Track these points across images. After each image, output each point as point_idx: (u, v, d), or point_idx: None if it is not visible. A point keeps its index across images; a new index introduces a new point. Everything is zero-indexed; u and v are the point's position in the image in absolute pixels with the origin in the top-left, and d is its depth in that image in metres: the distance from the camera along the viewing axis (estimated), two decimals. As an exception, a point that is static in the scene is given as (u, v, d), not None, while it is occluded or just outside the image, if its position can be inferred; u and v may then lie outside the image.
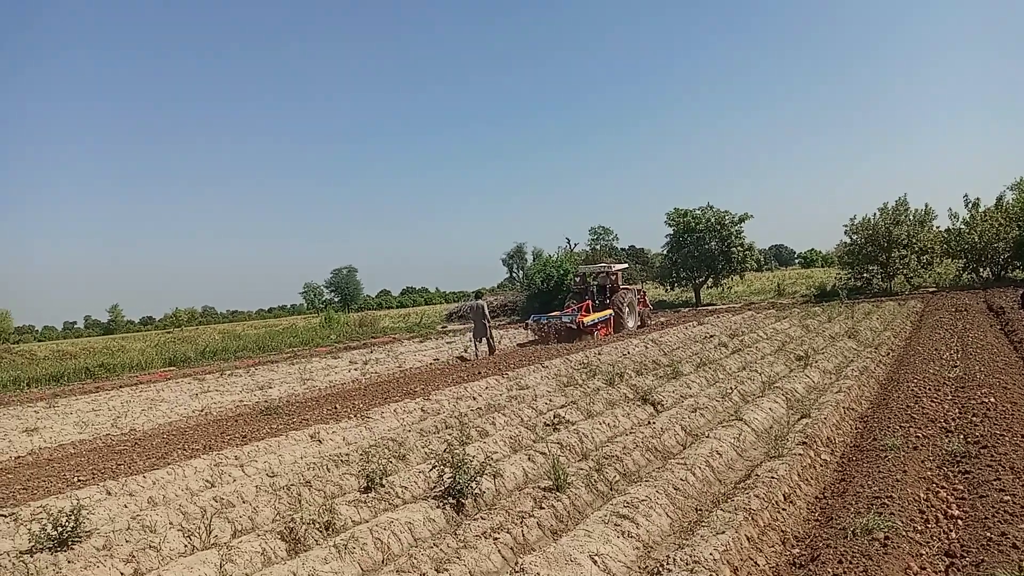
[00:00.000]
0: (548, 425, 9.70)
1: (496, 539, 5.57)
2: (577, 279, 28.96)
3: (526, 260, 69.73)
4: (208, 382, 19.52)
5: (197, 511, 6.91)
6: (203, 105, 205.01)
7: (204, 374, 22.32)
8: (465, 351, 23.14)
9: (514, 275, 76.09)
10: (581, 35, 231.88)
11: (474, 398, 12.42)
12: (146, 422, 13.98)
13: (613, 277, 27.41)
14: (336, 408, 13.01)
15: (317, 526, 6.11)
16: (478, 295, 24.49)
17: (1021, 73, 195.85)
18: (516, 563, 4.89)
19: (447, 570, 4.99)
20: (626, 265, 34.32)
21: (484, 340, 21.92)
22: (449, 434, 9.29)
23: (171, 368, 26.93)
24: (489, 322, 22.25)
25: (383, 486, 7.06)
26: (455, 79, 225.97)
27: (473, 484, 6.71)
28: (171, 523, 6.59)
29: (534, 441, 8.93)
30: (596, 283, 27.31)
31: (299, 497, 7.07)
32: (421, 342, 29.15)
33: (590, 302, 25.65)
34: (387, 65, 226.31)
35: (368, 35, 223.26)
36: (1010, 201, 35.49)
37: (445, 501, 6.58)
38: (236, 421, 13.06)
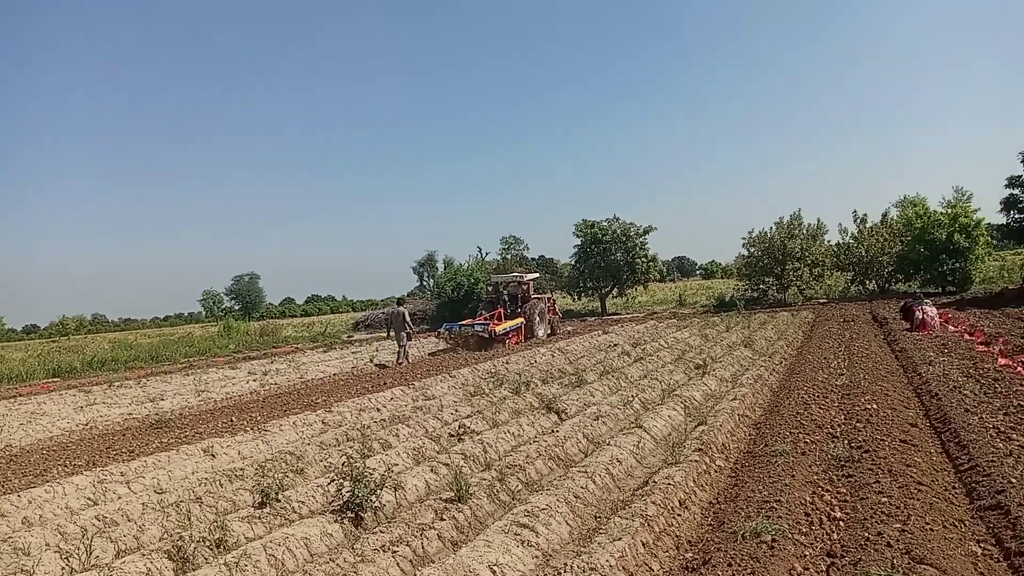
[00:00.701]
0: (453, 436, 9.64)
1: (395, 552, 5.47)
2: (489, 288, 29.25)
3: (437, 268, 69.35)
4: (95, 394, 18.46)
5: (77, 531, 6.51)
6: (95, 99, 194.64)
7: (91, 386, 21.10)
8: (371, 360, 22.87)
9: (425, 283, 75.53)
10: (491, 47, 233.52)
11: (378, 409, 12.24)
12: (24, 437, 13.08)
13: (525, 287, 27.86)
14: (232, 421, 12.54)
15: (207, 544, 5.86)
16: (400, 302, 24.28)
17: (904, 97, 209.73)
18: (414, 576, 4.82)
19: (343, 586, 4.87)
20: (537, 275, 34.81)
21: (403, 347, 21.80)
22: (351, 447, 9.11)
23: (54, 379, 25.35)
24: (411, 329, 22.16)
25: (279, 501, 6.84)
26: (363, 82, 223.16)
27: (373, 497, 6.58)
28: (47, 544, 6.19)
29: (438, 452, 8.85)
30: (508, 292, 27.66)
31: (189, 514, 6.76)
32: (325, 352, 28.53)
33: (502, 311, 25.94)
34: (289, 67, 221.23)
35: (268, 34, 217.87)
36: (894, 217, 37.81)
37: (344, 515, 6.43)
38: (123, 435, 12.40)
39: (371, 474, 6.68)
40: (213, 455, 9.38)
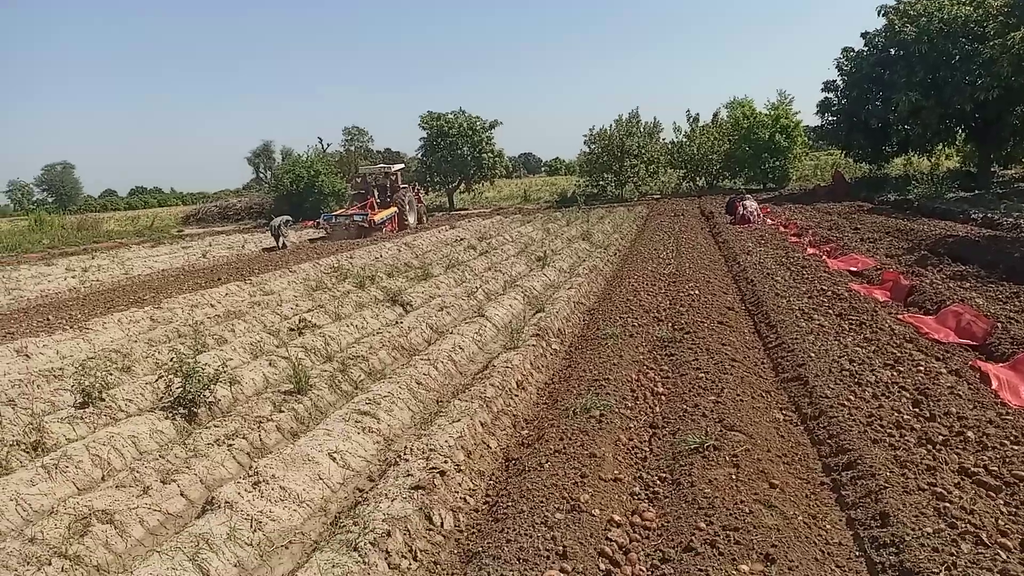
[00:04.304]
0: (293, 330, 9.45)
1: (231, 446, 5.38)
2: (358, 179, 29.90)
3: (274, 160, 65.80)
4: None
5: None
6: None
7: None
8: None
9: (261, 175, 71.51)
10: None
11: (212, 305, 11.72)
12: None
13: (393, 177, 28.74)
14: (49, 319, 11.64)
15: (23, 447, 5.50)
16: (280, 212, 27.11)
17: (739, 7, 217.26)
18: (251, 467, 4.77)
19: (175, 480, 4.76)
20: (403, 165, 34.73)
21: (280, 240, 23.96)
22: (182, 343, 8.70)
23: None
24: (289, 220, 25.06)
25: (103, 400, 6.47)
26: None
27: (207, 392, 6.37)
28: None
29: (277, 346, 8.63)
30: (376, 183, 28.26)
31: (0, 417, 6.28)
32: (153, 247, 26.75)
33: (373, 201, 26.77)
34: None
35: None
36: (724, 118, 39.69)
37: (175, 411, 6.20)
38: (-82, 338, 11.21)
39: (204, 369, 6.44)
40: (27, 355, 8.67)
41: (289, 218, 25.71)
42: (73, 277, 18.01)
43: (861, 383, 5.80)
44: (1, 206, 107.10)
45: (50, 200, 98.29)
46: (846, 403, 5.38)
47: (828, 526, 3.93)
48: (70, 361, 8.23)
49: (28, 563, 3.75)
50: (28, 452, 5.49)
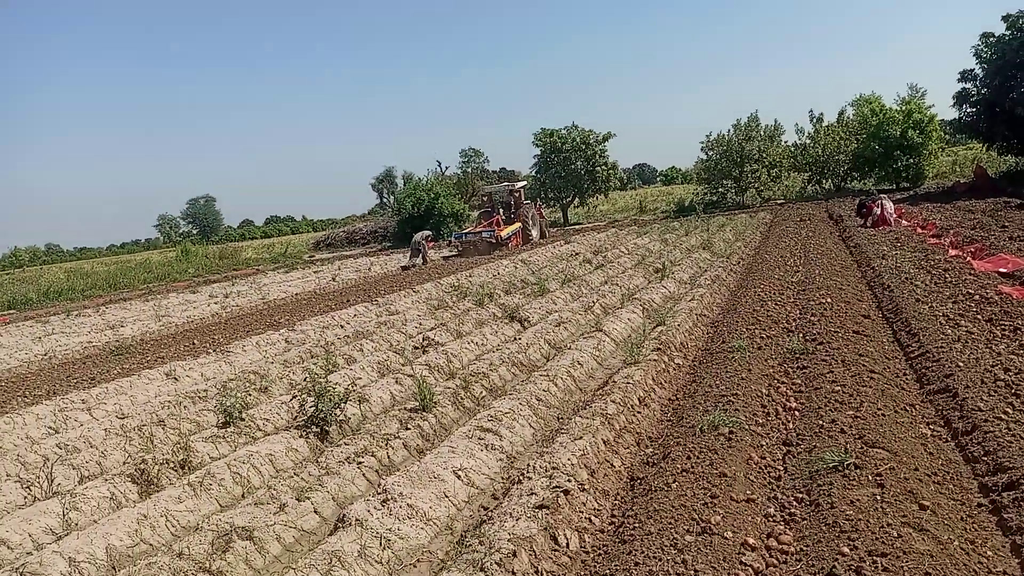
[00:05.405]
0: (417, 348, 9.67)
1: (360, 463, 5.52)
2: (484, 198, 31.73)
3: (396, 184, 68.21)
4: (52, 324, 18.09)
5: (38, 460, 6.44)
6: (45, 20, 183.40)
7: (48, 316, 20.67)
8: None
9: (384, 200, 74.24)
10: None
11: (342, 326, 12.19)
12: (-20, 371, 12.85)
13: (516, 194, 30.23)
14: (194, 344, 12.44)
15: (171, 465, 5.85)
16: (419, 229, 28.70)
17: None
18: (379, 484, 4.87)
19: (309, 498, 4.92)
20: (526, 183, 35.60)
21: (420, 256, 25.42)
22: (314, 363, 9.07)
23: (10, 312, 24.82)
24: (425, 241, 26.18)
25: (243, 420, 6.83)
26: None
27: (337, 411, 6.59)
28: (7, 475, 6.12)
29: (402, 364, 8.87)
30: (500, 200, 29.87)
31: (151, 437, 6.74)
32: (287, 272, 28.17)
33: (499, 218, 28.19)
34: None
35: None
36: (850, 116, 37.68)
37: (308, 430, 6.45)
38: (84, 363, 12.25)
39: (335, 388, 6.67)
40: (176, 378, 9.30)
41: (430, 233, 27.46)
42: (216, 303, 19.26)
43: (1020, 394, 5.30)
44: (153, 239, 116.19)
45: (194, 232, 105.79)
46: (1003, 416, 4.92)
47: (990, 553, 3.58)
48: (213, 383, 8.74)
49: (177, 577, 3.97)
50: (176, 470, 5.84)
